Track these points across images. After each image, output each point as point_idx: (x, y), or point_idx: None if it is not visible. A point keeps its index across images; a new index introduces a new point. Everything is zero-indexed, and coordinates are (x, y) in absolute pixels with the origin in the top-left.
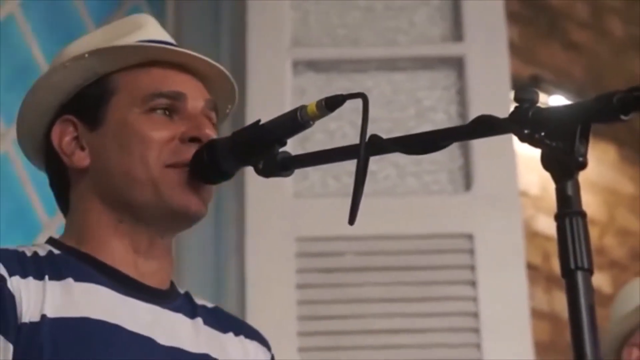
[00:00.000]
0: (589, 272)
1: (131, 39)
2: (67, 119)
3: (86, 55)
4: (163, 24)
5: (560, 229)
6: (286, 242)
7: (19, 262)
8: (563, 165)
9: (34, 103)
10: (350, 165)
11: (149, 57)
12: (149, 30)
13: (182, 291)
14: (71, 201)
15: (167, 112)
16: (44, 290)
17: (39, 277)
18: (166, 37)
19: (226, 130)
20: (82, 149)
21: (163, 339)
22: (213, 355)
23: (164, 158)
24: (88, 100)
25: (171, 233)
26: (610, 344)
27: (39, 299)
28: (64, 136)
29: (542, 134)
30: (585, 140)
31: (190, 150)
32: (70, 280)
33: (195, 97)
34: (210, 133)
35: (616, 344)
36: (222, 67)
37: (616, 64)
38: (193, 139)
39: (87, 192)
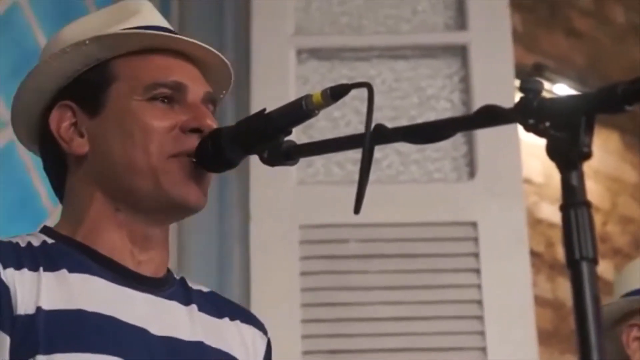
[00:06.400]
0: (594, 262)
1: (129, 25)
2: (66, 105)
3: (87, 42)
4: (167, 11)
5: (565, 220)
6: (290, 230)
7: (13, 254)
8: (568, 156)
9: (31, 87)
10: (354, 153)
11: (150, 45)
12: (146, 16)
13: (177, 277)
14: (68, 187)
15: (167, 101)
16: (39, 282)
17: (34, 268)
18: (163, 22)
19: (230, 119)
20: (81, 135)
21: (157, 329)
22: (207, 342)
23: (167, 148)
24: (87, 86)
25: (169, 223)
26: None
27: (33, 291)
28: (62, 122)
29: (547, 124)
30: (589, 131)
31: (191, 140)
32: (64, 271)
33: (195, 88)
34: (211, 123)
35: (612, 321)
36: (221, 56)
37: (618, 51)
38: (194, 130)
39: (85, 179)
